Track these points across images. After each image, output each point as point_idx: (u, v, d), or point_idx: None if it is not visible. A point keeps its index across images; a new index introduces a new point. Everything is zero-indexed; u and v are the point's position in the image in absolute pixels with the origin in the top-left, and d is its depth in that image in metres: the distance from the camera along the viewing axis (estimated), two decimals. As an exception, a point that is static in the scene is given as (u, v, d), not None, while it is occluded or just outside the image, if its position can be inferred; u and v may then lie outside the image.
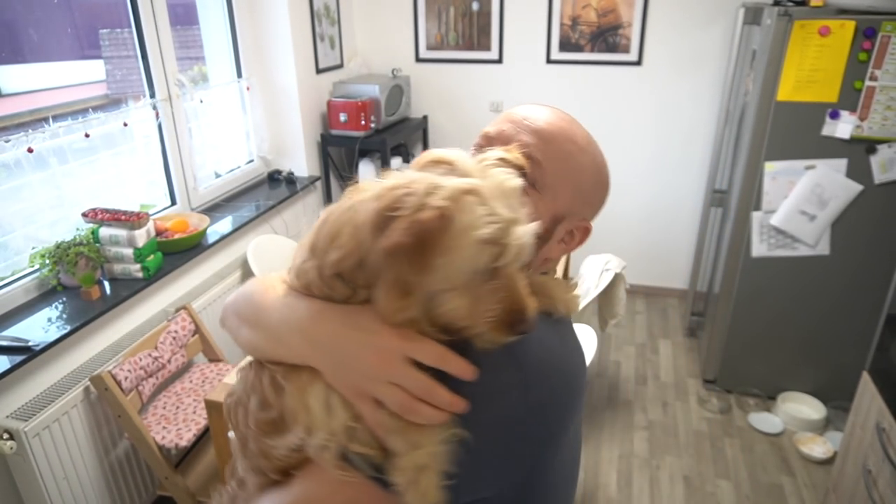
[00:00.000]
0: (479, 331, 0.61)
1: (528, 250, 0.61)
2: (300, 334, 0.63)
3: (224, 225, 2.60)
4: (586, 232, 0.81)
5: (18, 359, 1.67)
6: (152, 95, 2.41)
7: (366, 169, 3.38)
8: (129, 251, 2.05)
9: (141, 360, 1.99)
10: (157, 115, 2.42)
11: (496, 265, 0.59)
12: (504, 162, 0.66)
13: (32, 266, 1.96)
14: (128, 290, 2.04)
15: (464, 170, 0.61)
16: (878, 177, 2.39)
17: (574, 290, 0.78)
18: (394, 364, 0.59)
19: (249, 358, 0.72)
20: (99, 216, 2.05)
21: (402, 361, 0.59)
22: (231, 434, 0.66)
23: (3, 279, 1.91)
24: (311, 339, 0.63)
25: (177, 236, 2.31)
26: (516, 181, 0.62)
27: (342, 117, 3.19)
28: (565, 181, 0.75)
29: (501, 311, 0.60)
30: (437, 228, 0.54)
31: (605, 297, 2.63)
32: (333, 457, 0.62)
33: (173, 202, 2.59)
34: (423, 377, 0.59)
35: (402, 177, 0.60)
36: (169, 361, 2.11)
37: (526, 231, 0.60)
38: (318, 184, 3.41)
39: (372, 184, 0.61)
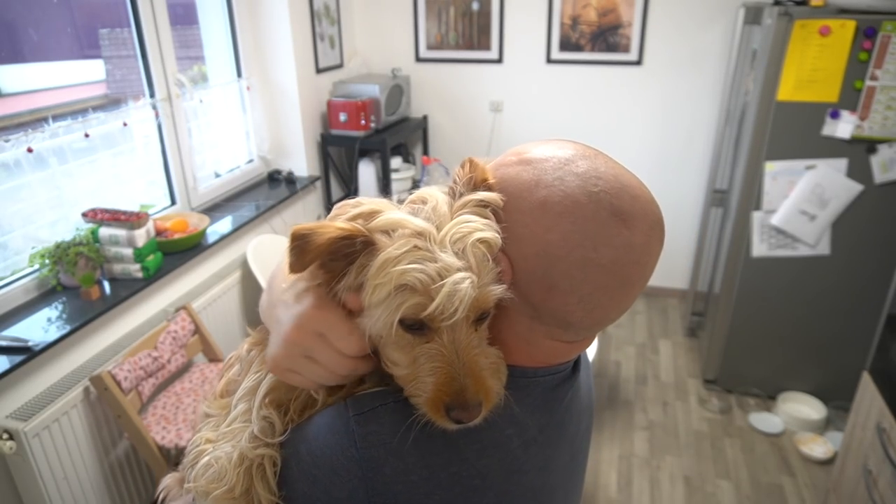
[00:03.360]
0: (413, 398, 0.56)
1: (472, 310, 0.53)
2: (268, 306, 0.64)
3: (224, 225, 2.59)
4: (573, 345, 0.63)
5: (18, 359, 1.67)
6: (152, 95, 2.41)
7: (366, 169, 3.38)
8: (128, 251, 2.05)
9: (141, 360, 1.99)
10: (156, 114, 2.42)
11: (425, 319, 0.53)
12: (484, 205, 0.57)
13: (32, 266, 1.96)
14: (127, 290, 2.04)
15: (431, 211, 0.56)
16: (879, 177, 2.39)
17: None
18: (308, 337, 0.57)
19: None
20: (99, 216, 2.05)
21: (315, 335, 0.57)
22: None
23: (2, 279, 1.91)
24: (267, 311, 0.63)
25: (176, 236, 2.30)
26: (486, 233, 0.55)
27: (342, 117, 3.19)
28: (517, 267, 0.57)
29: (433, 386, 0.54)
30: (327, 240, 0.53)
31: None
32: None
33: (173, 202, 2.59)
34: (334, 353, 0.57)
35: (373, 202, 0.58)
36: (169, 361, 2.10)
37: (466, 288, 0.51)
38: (318, 184, 3.40)
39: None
